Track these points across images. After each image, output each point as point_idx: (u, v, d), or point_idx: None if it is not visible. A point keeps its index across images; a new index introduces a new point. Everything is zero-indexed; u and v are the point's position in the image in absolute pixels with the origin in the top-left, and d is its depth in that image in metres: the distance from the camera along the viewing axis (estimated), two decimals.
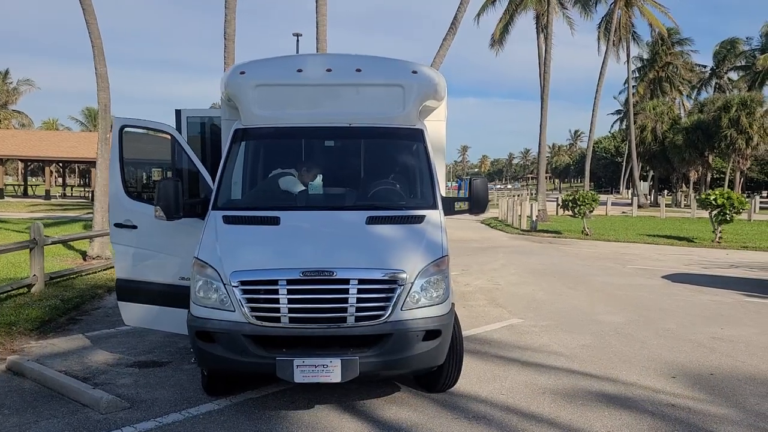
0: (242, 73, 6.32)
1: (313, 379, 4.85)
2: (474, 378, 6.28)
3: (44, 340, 7.69)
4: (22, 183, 56.01)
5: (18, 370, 6.31)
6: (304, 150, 6.66)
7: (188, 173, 6.35)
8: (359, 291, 4.89)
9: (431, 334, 5.04)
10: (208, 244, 5.30)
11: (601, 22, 46.67)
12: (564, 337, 7.99)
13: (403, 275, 4.98)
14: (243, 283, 4.91)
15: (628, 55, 50.38)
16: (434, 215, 5.73)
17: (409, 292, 4.99)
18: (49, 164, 49.33)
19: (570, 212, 23.54)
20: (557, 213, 33.95)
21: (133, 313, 6.54)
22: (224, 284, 4.94)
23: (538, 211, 27.71)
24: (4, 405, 5.48)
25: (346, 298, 4.87)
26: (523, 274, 13.53)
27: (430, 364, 5.21)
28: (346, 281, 4.89)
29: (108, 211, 6.59)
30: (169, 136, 6.32)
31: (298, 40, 33.72)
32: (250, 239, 5.35)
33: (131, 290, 6.44)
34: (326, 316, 4.87)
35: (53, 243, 11.30)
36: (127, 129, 6.48)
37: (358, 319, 4.88)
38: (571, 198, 22.87)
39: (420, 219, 5.62)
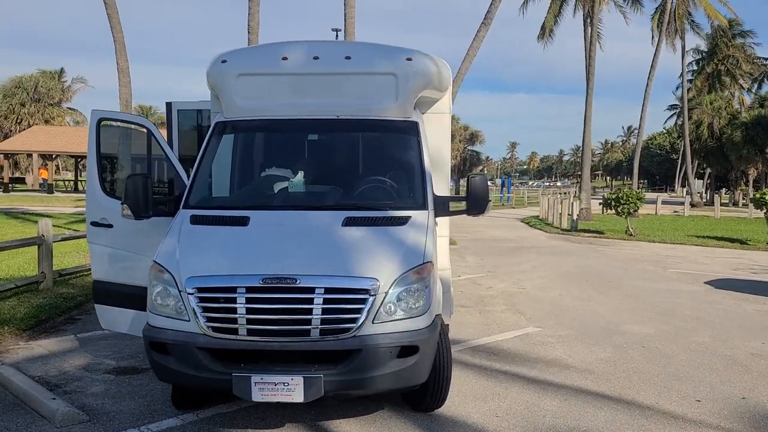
0: (224, 61, 5.90)
1: (273, 398, 4.36)
2: (470, 395, 5.70)
3: (34, 340, 7.45)
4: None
5: None
6: (286, 144, 6.19)
7: (164, 169, 5.96)
8: (325, 301, 4.37)
9: (407, 351, 4.48)
10: (168, 245, 4.87)
11: (655, 12, 44.79)
12: (581, 349, 7.30)
13: (376, 284, 4.44)
14: (199, 290, 4.46)
15: (683, 48, 48.25)
16: (421, 216, 5.16)
17: (382, 302, 4.45)
18: None
19: (613, 211, 22.48)
20: (603, 212, 32.74)
21: (110, 317, 6.18)
22: (180, 291, 4.50)
23: (580, 209, 26.65)
24: None
25: (311, 309, 4.36)
26: (552, 277, 12.78)
27: (407, 384, 4.66)
28: (311, 290, 4.38)
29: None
30: (145, 130, 5.94)
31: (336, 36, 33.48)
32: (213, 242, 4.90)
33: (107, 293, 6.08)
34: (288, 329, 4.37)
35: (63, 240, 11.17)
36: (104, 122, 6.13)
37: (323, 332, 4.37)
38: (613, 196, 21.81)
39: (403, 221, 5.07)
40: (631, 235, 21.53)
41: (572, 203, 25.93)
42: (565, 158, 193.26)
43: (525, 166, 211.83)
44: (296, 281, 4.38)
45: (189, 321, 4.46)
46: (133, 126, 6.11)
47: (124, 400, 5.52)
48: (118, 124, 6.19)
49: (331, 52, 5.88)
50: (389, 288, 4.48)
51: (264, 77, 5.82)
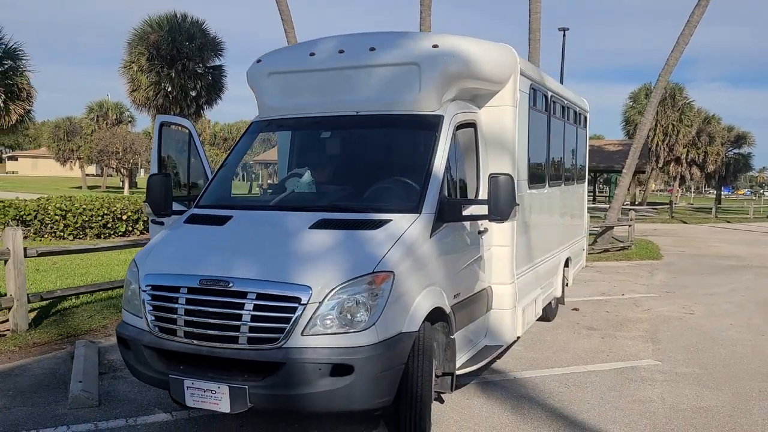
0: (258, 61, 5.91)
1: (203, 405, 4.17)
2: None
3: None
4: None
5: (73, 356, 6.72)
6: (307, 143, 5.94)
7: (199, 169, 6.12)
8: (256, 307, 4.06)
9: (340, 369, 3.94)
10: (151, 243, 4.96)
11: None
12: (689, 392, 5.82)
13: (307, 292, 3.99)
14: (151, 287, 4.44)
15: None
16: (403, 221, 4.52)
17: (315, 312, 3.98)
18: None
19: None
20: None
21: None
22: (139, 287, 4.54)
23: None
24: (9, 390, 5.74)
25: (240, 315, 4.08)
26: (746, 303, 10.49)
27: (342, 407, 4.11)
28: (243, 294, 4.10)
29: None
30: (186, 130, 6.17)
31: (564, 35, 31.59)
32: (184, 240, 4.86)
33: None
34: (218, 334, 4.13)
35: None
36: (164, 124, 6.51)
37: (250, 340, 4.05)
38: None
39: (378, 224, 4.48)
40: None
41: None
42: None
43: None
44: (228, 284, 4.14)
45: (142, 318, 4.47)
46: (179, 128, 6.38)
47: (144, 389, 5.67)
48: (172, 126, 6.50)
49: (356, 45, 5.51)
50: (325, 297, 3.99)
51: (292, 75, 5.68)
